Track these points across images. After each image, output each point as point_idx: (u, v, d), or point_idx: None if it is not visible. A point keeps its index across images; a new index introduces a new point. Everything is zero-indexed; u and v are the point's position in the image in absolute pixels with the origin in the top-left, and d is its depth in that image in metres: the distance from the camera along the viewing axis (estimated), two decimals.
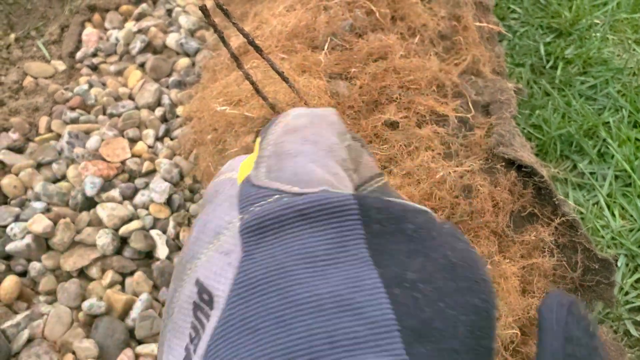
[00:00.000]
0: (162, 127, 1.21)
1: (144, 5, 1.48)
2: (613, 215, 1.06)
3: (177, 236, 1.05)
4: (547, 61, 1.30)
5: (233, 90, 0.90)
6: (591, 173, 1.12)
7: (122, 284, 1.01)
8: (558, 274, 0.70)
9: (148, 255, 1.04)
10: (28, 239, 0.99)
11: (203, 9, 0.64)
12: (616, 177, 1.11)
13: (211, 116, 0.88)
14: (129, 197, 1.10)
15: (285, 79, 0.74)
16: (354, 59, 0.87)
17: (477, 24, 0.97)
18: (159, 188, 1.08)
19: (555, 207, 0.72)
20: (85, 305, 0.93)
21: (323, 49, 0.90)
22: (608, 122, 1.19)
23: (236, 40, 1.03)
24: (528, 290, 0.67)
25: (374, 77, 0.84)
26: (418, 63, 0.84)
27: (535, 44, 1.33)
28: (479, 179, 0.72)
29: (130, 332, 0.94)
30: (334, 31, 0.91)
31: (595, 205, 1.07)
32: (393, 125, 0.81)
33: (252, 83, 0.73)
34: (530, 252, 0.69)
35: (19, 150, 1.18)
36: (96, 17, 1.49)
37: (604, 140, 1.16)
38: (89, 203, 1.08)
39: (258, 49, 0.68)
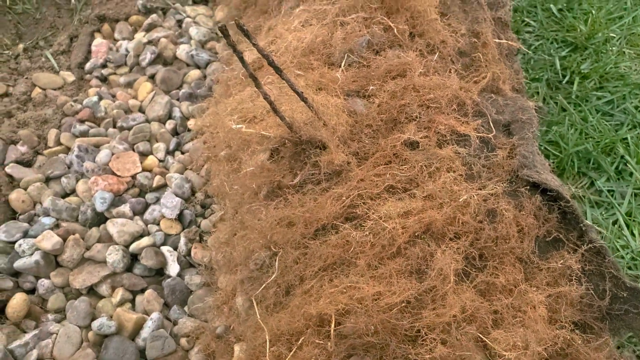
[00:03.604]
0: (173, 141, 1.19)
1: (153, 16, 1.46)
2: (633, 234, 1.04)
3: (188, 253, 1.03)
4: (563, 76, 1.28)
5: (247, 107, 0.88)
6: (609, 191, 1.10)
7: (133, 302, 0.99)
8: (585, 302, 0.68)
9: (159, 273, 1.02)
10: (37, 256, 0.97)
11: (223, 29, 0.62)
12: (635, 195, 1.09)
13: (226, 133, 0.87)
14: (139, 212, 1.08)
15: (304, 100, 0.72)
16: (372, 76, 0.85)
17: (497, 40, 0.95)
18: (170, 203, 1.07)
19: (582, 233, 0.70)
20: (95, 324, 0.91)
21: (340, 66, 0.88)
22: (626, 139, 1.17)
23: (250, 55, 1.01)
24: (555, 319, 0.65)
25: (392, 95, 0.82)
26: (438, 81, 0.82)
27: (550, 58, 1.31)
28: (503, 203, 0.70)
29: (141, 352, 0.91)
30: (350, 47, 0.89)
31: (615, 224, 1.05)
32: (413, 145, 0.79)
33: (270, 103, 0.71)
34: (557, 280, 0.67)
35: (27, 163, 1.16)
36: (105, 27, 1.48)
37: (622, 157, 1.14)
38: (99, 218, 1.06)
39: (278, 70, 0.66)
